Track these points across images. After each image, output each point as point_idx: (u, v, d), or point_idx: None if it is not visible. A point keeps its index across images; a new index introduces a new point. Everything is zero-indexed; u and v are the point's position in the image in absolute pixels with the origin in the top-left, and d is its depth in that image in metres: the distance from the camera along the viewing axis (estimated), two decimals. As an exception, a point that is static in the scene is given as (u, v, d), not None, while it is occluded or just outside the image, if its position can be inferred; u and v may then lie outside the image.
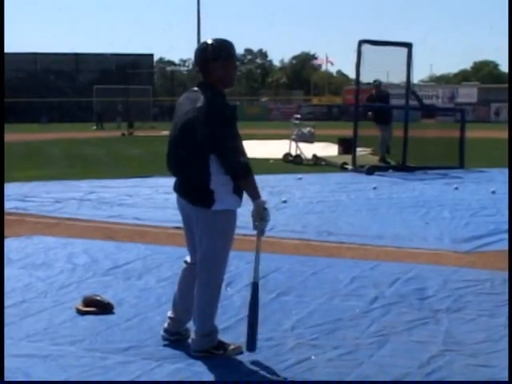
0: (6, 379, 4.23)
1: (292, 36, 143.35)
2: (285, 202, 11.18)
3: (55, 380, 4.37)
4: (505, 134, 26.39)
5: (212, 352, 4.76)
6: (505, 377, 4.50)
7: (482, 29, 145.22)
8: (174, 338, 4.99)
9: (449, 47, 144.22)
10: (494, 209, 10.49)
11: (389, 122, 17.27)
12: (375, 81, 17.53)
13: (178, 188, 4.81)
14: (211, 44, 4.59)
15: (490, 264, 7.42)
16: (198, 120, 4.45)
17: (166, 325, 5.04)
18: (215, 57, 4.54)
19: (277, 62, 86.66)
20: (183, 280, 4.99)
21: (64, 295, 6.20)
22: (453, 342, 5.08)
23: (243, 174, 4.56)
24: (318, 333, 5.23)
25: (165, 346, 4.94)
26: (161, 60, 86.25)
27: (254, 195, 4.65)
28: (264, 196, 12.35)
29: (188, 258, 4.99)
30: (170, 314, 5.03)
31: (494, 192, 12.02)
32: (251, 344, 4.69)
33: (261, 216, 4.69)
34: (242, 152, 4.55)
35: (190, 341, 4.88)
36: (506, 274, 6.89)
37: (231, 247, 4.85)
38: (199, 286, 4.75)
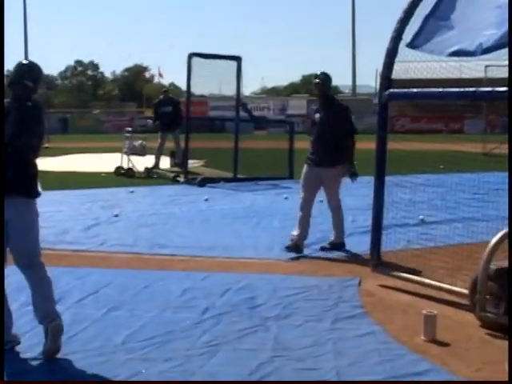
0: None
1: (124, 48, 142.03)
2: (116, 215, 11.05)
3: None
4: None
5: None
6: (331, 377, 4.71)
7: (310, 43, 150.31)
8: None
9: (279, 60, 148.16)
10: (322, 217, 10.85)
11: (176, 129, 17.81)
12: (163, 87, 18.97)
13: None
14: (24, 64, 5.27)
15: (317, 271, 7.68)
16: None
17: None
18: (27, 76, 5.10)
19: (108, 74, 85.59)
20: None
21: None
22: (281, 348, 5.24)
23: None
24: (149, 346, 5.24)
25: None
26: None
27: None
28: (95, 210, 12.21)
29: None
30: None
31: (322, 201, 12.42)
32: None
33: None
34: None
35: None
36: (332, 280, 7.19)
37: None
38: (41, 281, 5.03)
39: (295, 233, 8.53)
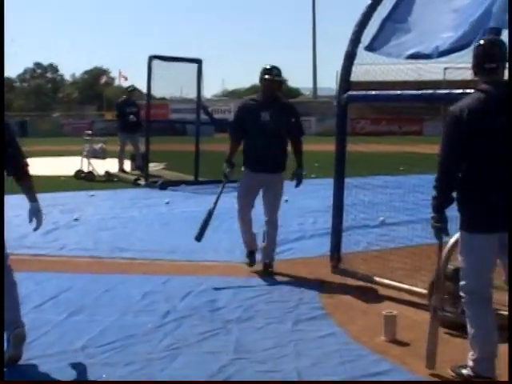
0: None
1: (84, 50, 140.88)
2: (76, 219, 10.97)
3: None
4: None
5: None
6: (292, 379, 4.75)
7: (271, 45, 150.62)
8: None
9: (240, 63, 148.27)
10: (284, 219, 10.84)
11: (137, 132, 17.78)
12: (129, 87, 19.66)
13: None
14: None
15: (277, 273, 7.69)
16: None
17: None
18: None
19: (68, 77, 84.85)
20: None
21: None
22: (243, 351, 5.25)
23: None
24: (110, 350, 5.22)
25: None
26: None
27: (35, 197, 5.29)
28: (55, 214, 12.06)
29: None
30: None
31: (286, 201, 12.43)
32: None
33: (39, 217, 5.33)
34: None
35: None
36: (292, 282, 7.22)
37: None
38: (10, 284, 4.96)
39: (245, 246, 7.95)
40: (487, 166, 4.50)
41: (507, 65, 4.70)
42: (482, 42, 4.78)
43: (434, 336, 4.91)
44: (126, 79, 59.61)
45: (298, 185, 7.77)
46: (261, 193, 7.77)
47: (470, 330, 4.66)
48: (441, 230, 4.73)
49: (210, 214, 7.98)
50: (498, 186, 4.52)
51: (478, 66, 4.63)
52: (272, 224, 7.81)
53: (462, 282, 4.73)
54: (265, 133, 7.48)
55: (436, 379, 4.77)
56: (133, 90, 19.34)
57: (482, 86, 4.57)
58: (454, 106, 4.58)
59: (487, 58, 4.58)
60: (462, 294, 4.75)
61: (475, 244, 4.61)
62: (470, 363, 4.63)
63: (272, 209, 7.76)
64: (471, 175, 4.57)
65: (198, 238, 7.90)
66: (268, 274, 7.63)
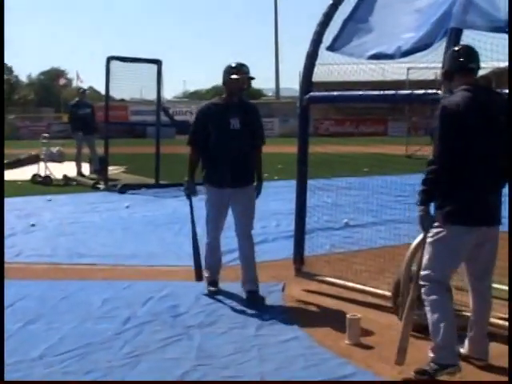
0: None
1: (40, 50, 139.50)
2: (33, 225, 10.74)
3: None
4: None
5: None
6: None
7: (233, 45, 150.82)
8: None
9: (201, 63, 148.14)
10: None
11: (93, 133, 17.75)
12: (80, 88, 20.21)
13: None
14: None
15: (240, 277, 7.57)
16: None
17: None
18: None
19: (24, 78, 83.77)
20: None
21: None
22: (205, 356, 5.18)
23: None
24: (69, 359, 5.10)
25: None
26: None
27: None
28: (11, 220, 11.83)
29: None
30: None
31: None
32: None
33: None
34: None
35: None
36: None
37: None
38: None
39: (208, 274, 7.06)
40: (474, 162, 4.57)
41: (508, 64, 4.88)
42: (458, 47, 4.96)
43: (407, 330, 4.91)
44: (81, 81, 59.25)
45: (256, 197, 6.86)
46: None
47: (431, 317, 4.71)
48: (430, 223, 4.72)
49: (195, 239, 7.09)
50: (480, 182, 4.61)
51: (459, 67, 4.73)
52: (249, 241, 6.87)
53: (426, 271, 4.76)
54: (236, 142, 6.61)
55: (400, 380, 4.73)
56: (84, 91, 19.41)
57: (464, 86, 4.66)
58: (446, 102, 4.65)
59: (469, 59, 4.73)
60: (423, 282, 4.75)
61: (451, 236, 4.64)
62: (431, 354, 4.66)
63: (244, 223, 6.80)
64: (457, 170, 4.59)
65: (199, 277, 6.99)
66: (261, 302, 6.62)
